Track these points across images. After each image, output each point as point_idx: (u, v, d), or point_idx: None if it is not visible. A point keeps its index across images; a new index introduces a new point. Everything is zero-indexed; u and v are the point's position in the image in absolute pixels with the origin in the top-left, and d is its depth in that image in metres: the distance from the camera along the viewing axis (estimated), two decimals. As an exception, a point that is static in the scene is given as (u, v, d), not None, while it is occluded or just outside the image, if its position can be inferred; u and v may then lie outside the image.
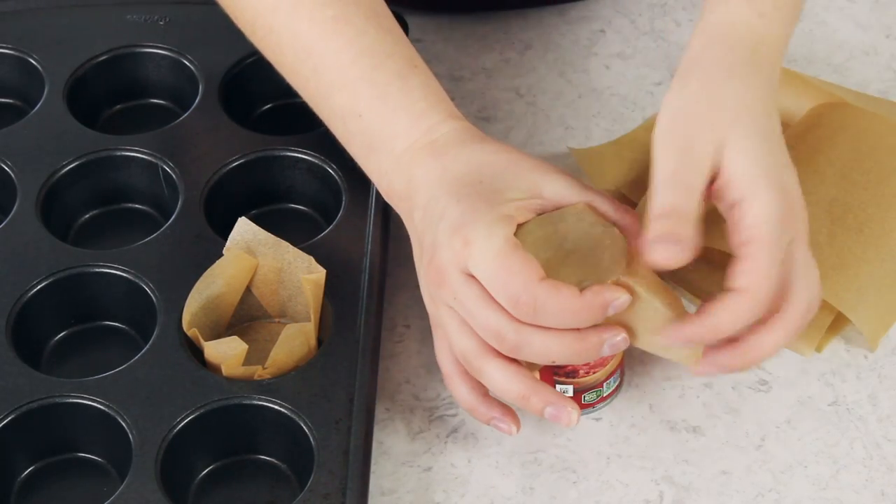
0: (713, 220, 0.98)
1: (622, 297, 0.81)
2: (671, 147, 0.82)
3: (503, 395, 0.83)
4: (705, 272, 0.95)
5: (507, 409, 0.86)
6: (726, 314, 0.80)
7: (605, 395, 0.90)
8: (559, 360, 0.82)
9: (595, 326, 0.81)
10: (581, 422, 0.90)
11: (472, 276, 0.81)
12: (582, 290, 0.81)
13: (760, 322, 0.82)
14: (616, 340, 0.82)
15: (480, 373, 0.83)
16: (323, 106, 0.91)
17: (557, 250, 0.83)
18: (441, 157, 0.86)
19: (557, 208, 0.84)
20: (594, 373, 0.89)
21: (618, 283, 0.81)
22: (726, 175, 0.82)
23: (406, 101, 0.88)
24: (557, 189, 0.84)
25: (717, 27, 0.87)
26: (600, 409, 0.91)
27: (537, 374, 0.87)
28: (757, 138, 0.83)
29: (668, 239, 0.80)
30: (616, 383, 0.91)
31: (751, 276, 0.80)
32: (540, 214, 0.84)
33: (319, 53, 0.90)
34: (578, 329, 0.81)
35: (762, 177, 0.81)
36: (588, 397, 0.90)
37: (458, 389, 0.86)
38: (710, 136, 0.82)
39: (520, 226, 0.83)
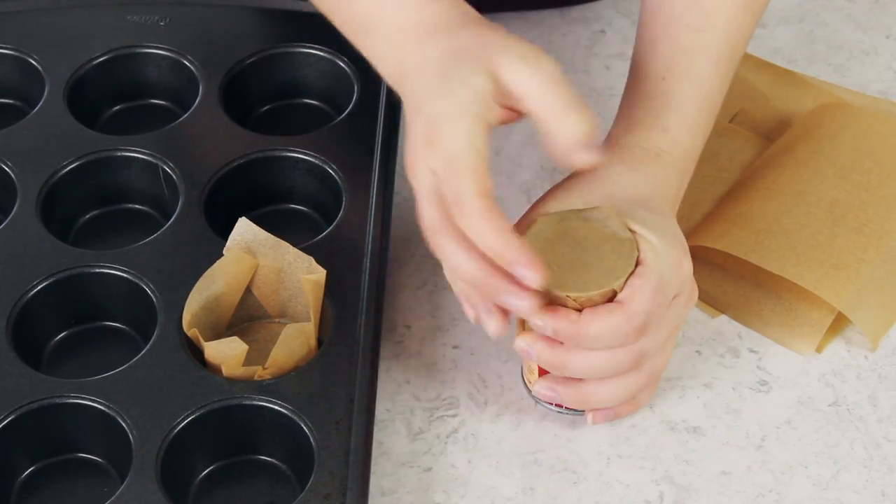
0: (712, 221, 0.98)
1: (532, 274, 0.80)
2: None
3: (459, 272, 0.83)
4: (704, 273, 0.95)
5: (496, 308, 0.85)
6: (598, 318, 0.83)
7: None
8: (463, 278, 0.82)
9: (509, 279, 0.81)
10: (581, 422, 0.90)
11: (435, 172, 0.82)
12: (576, 298, 0.82)
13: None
14: (516, 301, 0.81)
15: (439, 249, 0.83)
16: (347, 17, 0.93)
17: (571, 249, 0.83)
18: (424, 44, 0.86)
19: (512, 93, 0.83)
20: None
21: (605, 293, 0.82)
22: None
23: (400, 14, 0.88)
24: (515, 79, 0.83)
25: (616, 138, 0.91)
26: (581, 414, 0.91)
27: (536, 372, 0.88)
28: (651, 214, 0.86)
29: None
30: None
31: (628, 291, 0.83)
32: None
33: None
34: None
35: (656, 230, 0.85)
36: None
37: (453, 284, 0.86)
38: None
39: (543, 216, 0.84)
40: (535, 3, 1.15)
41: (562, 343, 0.84)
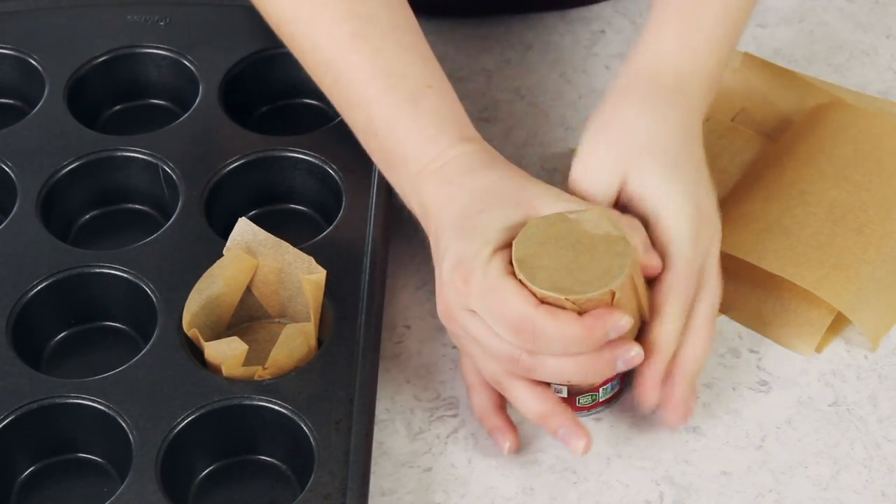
0: (727, 225, 0.98)
1: (623, 320, 0.82)
2: (578, 182, 0.88)
3: (526, 413, 0.86)
4: (728, 287, 0.95)
5: (511, 426, 0.88)
6: (657, 328, 0.85)
7: (600, 399, 0.90)
8: (575, 380, 0.85)
9: (608, 343, 0.83)
10: (581, 422, 0.90)
11: (475, 312, 0.83)
12: (576, 301, 0.82)
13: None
14: (630, 356, 0.84)
15: (507, 393, 0.86)
16: (346, 115, 0.93)
17: (565, 251, 0.83)
18: (448, 186, 0.87)
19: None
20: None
21: (603, 294, 0.82)
22: (633, 200, 0.87)
23: (416, 126, 0.89)
24: (554, 207, 0.85)
25: (643, 65, 0.91)
26: (597, 412, 0.91)
27: None
28: (664, 166, 0.87)
29: None
30: (614, 390, 0.90)
31: (667, 282, 0.85)
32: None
33: (338, 68, 0.91)
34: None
35: (670, 194, 0.86)
36: (582, 400, 0.90)
37: (476, 398, 0.89)
38: (614, 169, 0.87)
39: (534, 219, 0.84)
40: (535, 6, 1.15)
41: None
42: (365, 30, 0.91)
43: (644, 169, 0.87)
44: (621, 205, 0.88)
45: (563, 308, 0.82)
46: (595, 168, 0.88)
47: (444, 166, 0.88)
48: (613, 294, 0.82)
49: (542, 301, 0.82)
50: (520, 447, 0.88)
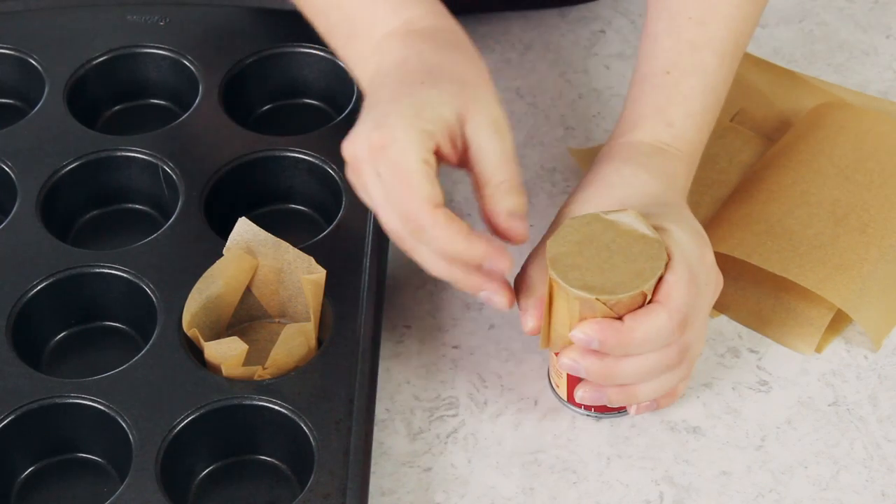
0: (715, 224, 0.98)
1: (502, 265, 0.82)
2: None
3: (435, 274, 0.85)
4: (728, 287, 0.95)
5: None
6: (641, 322, 0.83)
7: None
8: (442, 276, 0.84)
9: (486, 271, 0.83)
10: (581, 422, 0.90)
11: (379, 175, 0.83)
12: (607, 301, 0.82)
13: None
14: (494, 298, 0.84)
15: (412, 252, 0.85)
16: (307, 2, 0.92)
17: (599, 251, 0.83)
18: (406, 48, 0.87)
19: (463, 143, 0.84)
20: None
21: (634, 296, 0.82)
22: None
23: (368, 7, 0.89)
24: (478, 136, 0.84)
25: (622, 139, 0.92)
26: (625, 413, 0.90)
27: (565, 375, 0.88)
28: (646, 207, 0.86)
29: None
30: None
31: (665, 289, 0.83)
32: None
33: None
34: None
35: (661, 218, 0.86)
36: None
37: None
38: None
39: (570, 219, 0.85)
40: (535, 3, 1.15)
41: (606, 354, 0.84)
42: None
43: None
44: None
45: (594, 308, 0.82)
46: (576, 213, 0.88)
47: (411, 32, 0.87)
48: (645, 296, 0.82)
49: (575, 300, 0.82)
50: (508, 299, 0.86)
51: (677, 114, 0.91)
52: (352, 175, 0.86)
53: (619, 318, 0.83)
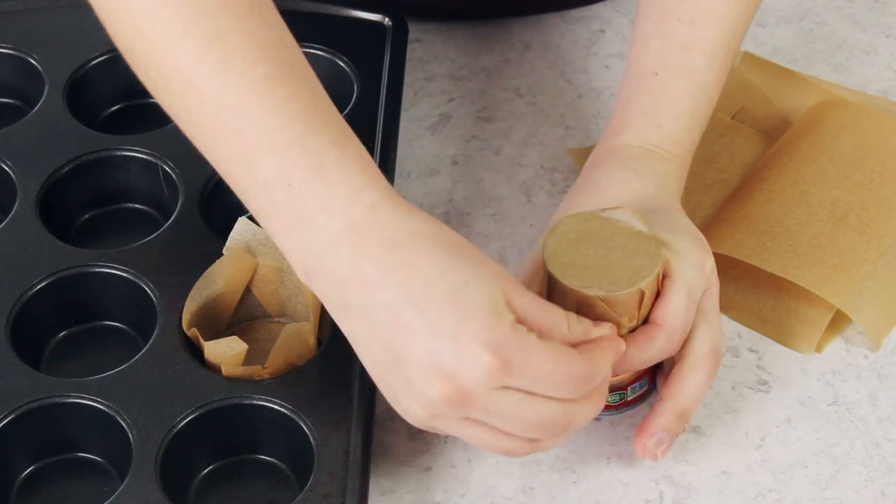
0: (714, 224, 0.98)
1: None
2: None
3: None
4: (728, 288, 0.95)
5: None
6: (641, 348, 0.84)
7: (629, 398, 0.90)
8: (590, 418, 0.81)
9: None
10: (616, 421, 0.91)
11: (508, 388, 0.76)
12: (605, 298, 0.82)
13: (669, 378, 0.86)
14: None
15: (532, 450, 0.81)
16: (242, 174, 0.81)
17: (596, 248, 0.83)
18: (398, 246, 0.77)
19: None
20: (617, 375, 0.88)
21: (632, 293, 0.82)
22: None
23: (343, 173, 0.78)
24: (522, 299, 0.78)
25: (611, 143, 0.91)
26: (624, 411, 0.90)
27: None
28: (642, 211, 0.86)
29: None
30: (643, 388, 0.90)
31: (662, 311, 0.84)
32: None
33: (247, 114, 0.79)
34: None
35: (673, 234, 0.85)
36: (611, 399, 0.89)
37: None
38: None
39: (566, 217, 0.84)
40: (534, 8, 1.15)
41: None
42: (278, 73, 0.80)
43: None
44: None
45: (592, 305, 0.82)
46: None
47: (382, 225, 0.77)
48: (643, 293, 0.82)
49: (572, 298, 0.82)
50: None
51: (666, 115, 0.91)
52: (447, 418, 0.77)
53: (617, 317, 0.83)
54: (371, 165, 0.80)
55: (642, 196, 0.88)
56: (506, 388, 0.76)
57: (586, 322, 0.80)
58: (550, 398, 0.77)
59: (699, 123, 0.92)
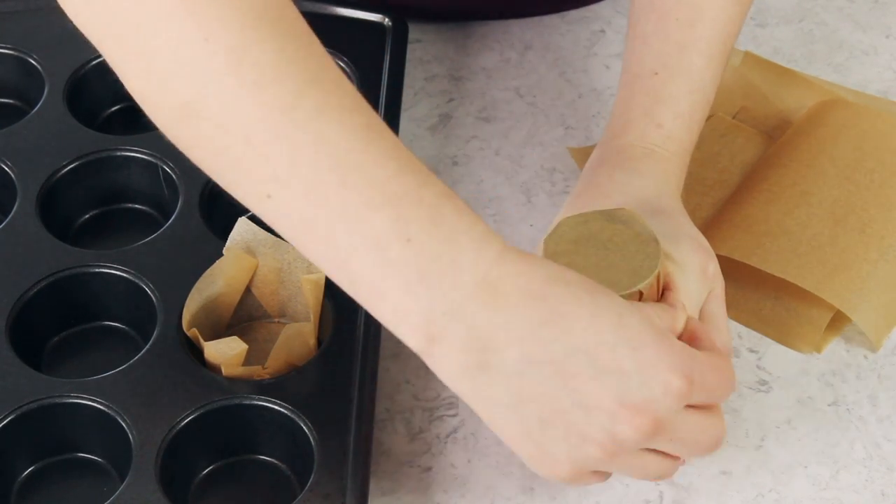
0: (715, 225, 0.98)
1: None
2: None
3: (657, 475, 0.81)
4: (729, 288, 0.95)
5: None
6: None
7: None
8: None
9: None
10: None
11: (688, 406, 0.76)
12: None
13: None
14: None
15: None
16: (345, 231, 0.72)
17: (596, 249, 0.83)
18: (544, 302, 0.72)
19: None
20: None
21: (631, 294, 0.82)
22: None
23: (465, 225, 0.72)
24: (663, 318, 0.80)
25: (613, 143, 0.91)
26: None
27: None
28: (644, 213, 0.86)
29: None
30: None
31: (669, 323, 0.81)
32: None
33: (354, 163, 0.71)
34: None
35: (675, 240, 0.85)
36: None
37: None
38: None
39: (567, 218, 0.84)
40: (534, 10, 1.15)
41: None
42: (378, 123, 0.73)
43: None
44: None
45: None
46: None
47: (513, 276, 0.72)
48: (641, 294, 0.82)
49: None
50: None
51: (666, 115, 0.91)
52: (649, 439, 0.74)
53: None
54: (479, 216, 0.74)
55: (644, 196, 0.88)
56: (687, 407, 0.75)
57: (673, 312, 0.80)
58: (718, 409, 0.77)
59: (697, 122, 0.92)
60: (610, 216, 0.85)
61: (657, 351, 0.73)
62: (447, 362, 0.73)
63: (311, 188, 0.71)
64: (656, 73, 0.92)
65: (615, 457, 0.74)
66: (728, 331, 0.86)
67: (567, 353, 0.72)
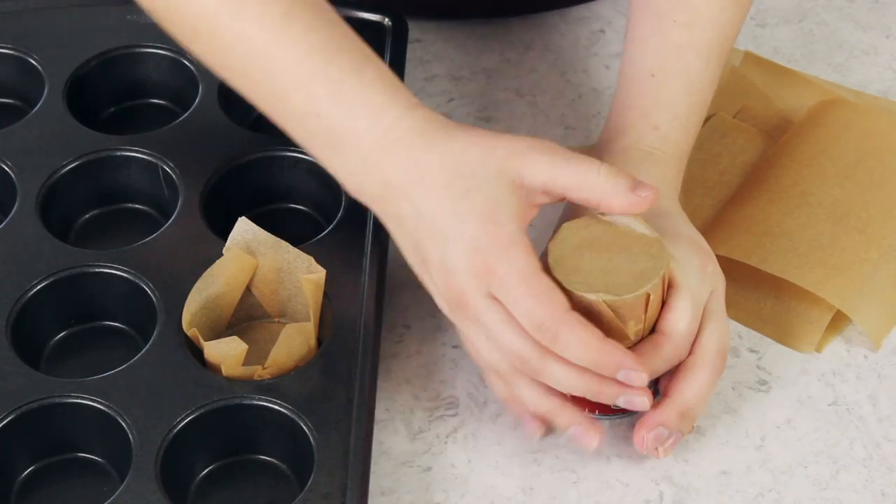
0: (715, 226, 0.98)
1: (637, 376, 0.82)
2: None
3: (534, 408, 0.85)
4: (729, 288, 0.95)
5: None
6: (652, 359, 0.84)
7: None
8: (576, 393, 0.84)
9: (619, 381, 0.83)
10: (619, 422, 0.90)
11: (496, 299, 0.82)
12: (611, 303, 0.82)
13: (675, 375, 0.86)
14: (634, 399, 0.84)
15: (511, 387, 0.85)
16: (277, 108, 0.88)
17: (601, 253, 0.83)
18: (415, 162, 0.84)
19: (545, 192, 0.83)
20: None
21: (638, 296, 0.82)
22: None
23: (364, 96, 0.85)
24: (538, 167, 0.83)
25: (610, 142, 0.91)
26: (626, 417, 0.90)
27: None
28: (665, 221, 0.87)
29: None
30: None
31: (667, 320, 0.84)
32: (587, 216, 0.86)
33: (269, 53, 0.86)
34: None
35: (662, 230, 0.85)
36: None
37: (495, 386, 0.87)
38: None
39: (569, 222, 0.84)
40: (534, 7, 1.15)
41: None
42: (293, 10, 0.86)
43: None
44: None
45: (598, 310, 0.82)
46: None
47: (400, 139, 0.84)
48: (648, 296, 0.82)
49: (578, 303, 0.82)
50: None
51: (663, 117, 0.91)
52: (456, 314, 0.84)
53: (623, 321, 0.82)
54: (389, 83, 0.86)
55: None
56: (494, 300, 0.82)
57: (615, 169, 0.82)
58: (527, 335, 0.81)
59: (694, 124, 0.92)
60: (613, 219, 0.84)
61: (474, 232, 0.82)
62: (375, 208, 0.87)
63: (245, 76, 0.88)
64: (653, 76, 0.92)
65: (451, 310, 0.84)
66: (727, 329, 0.86)
67: (419, 215, 0.83)
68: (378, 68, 0.86)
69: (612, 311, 0.82)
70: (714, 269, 0.87)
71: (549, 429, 0.86)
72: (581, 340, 0.81)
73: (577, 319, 0.81)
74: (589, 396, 0.84)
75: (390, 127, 0.84)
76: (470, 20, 1.16)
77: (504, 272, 0.81)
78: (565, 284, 0.82)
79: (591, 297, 0.82)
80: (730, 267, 0.94)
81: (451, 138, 0.84)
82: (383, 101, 0.85)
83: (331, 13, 0.87)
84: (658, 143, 0.90)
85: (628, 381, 0.82)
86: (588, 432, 0.85)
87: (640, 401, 0.83)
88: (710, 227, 0.97)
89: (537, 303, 0.81)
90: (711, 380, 0.86)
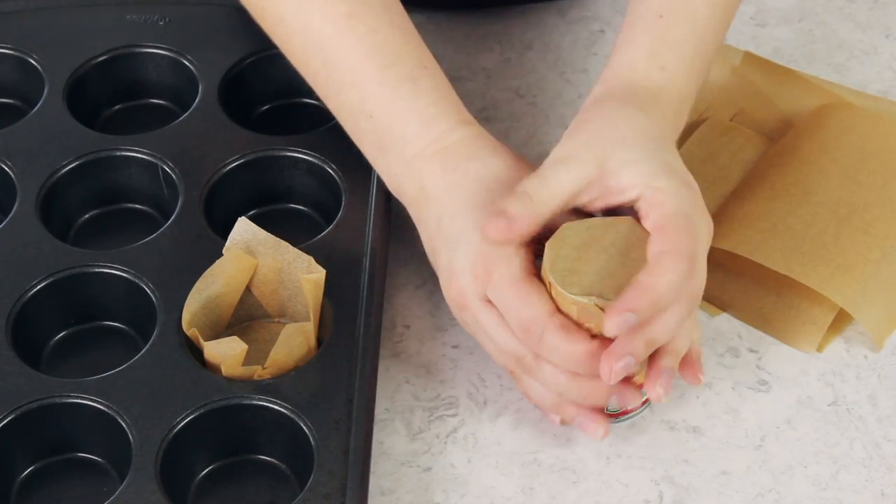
0: (716, 221, 0.98)
1: (621, 364, 0.81)
2: (550, 168, 0.86)
3: (539, 403, 0.87)
4: (720, 278, 0.95)
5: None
6: (655, 277, 0.81)
7: (628, 407, 0.90)
8: (565, 395, 0.85)
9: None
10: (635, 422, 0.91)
11: (490, 302, 0.85)
12: (604, 306, 0.81)
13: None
14: (626, 395, 0.85)
15: (518, 382, 0.87)
16: (333, 100, 0.93)
17: (598, 255, 0.83)
18: (451, 171, 0.88)
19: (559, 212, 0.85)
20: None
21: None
22: (615, 185, 0.85)
23: (416, 106, 0.89)
24: (557, 198, 0.85)
25: (616, 81, 0.91)
26: (624, 420, 0.90)
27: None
28: (646, 150, 0.86)
29: (496, 212, 0.84)
30: (644, 396, 0.89)
31: (670, 240, 0.82)
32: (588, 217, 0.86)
33: (330, 48, 0.91)
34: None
35: (656, 172, 0.85)
36: (612, 406, 0.89)
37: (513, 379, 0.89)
38: (591, 155, 0.85)
39: (569, 224, 0.85)
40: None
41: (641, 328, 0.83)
42: (359, 10, 0.91)
43: (626, 155, 0.85)
44: (593, 198, 0.86)
45: (591, 312, 0.82)
46: (571, 154, 0.86)
47: (445, 149, 0.88)
48: None
49: (573, 304, 0.82)
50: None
51: (669, 58, 0.91)
52: (459, 315, 0.88)
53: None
54: (443, 95, 0.90)
55: (649, 135, 0.87)
56: (488, 302, 0.85)
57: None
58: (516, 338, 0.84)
59: (698, 71, 0.92)
60: (612, 222, 0.84)
61: (473, 249, 0.85)
62: (411, 211, 0.91)
63: (305, 63, 0.93)
64: (661, 16, 0.92)
65: (459, 311, 0.88)
66: (704, 273, 0.85)
67: (438, 223, 0.88)
68: (434, 78, 0.91)
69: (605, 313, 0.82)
70: (703, 207, 0.87)
71: (563, 419, 0.88)
72: (565, 342, 0.82)
73: (561, 323, 0.82)
74: (578, 398, 0.85)
75: (437, 138, 0.88)
76: (469, 18, 1.16)
77: (498, 276, 0.84)
78: (561, 286, 0.82)
79: (585, 300, 0.82)
80: (732, 263, 0.94)
81: (494, 155, 0.89)
82: (435, 114, 0.89)
83: (397, 16, 0.92)
84: (664, 84, 0.90)
85: (616, 375, 0.81)
86: (593, 422, 0.86)
87: (633, 395, 0.85)
88: (724, 226, 0.97)
89: (523, 305, 0.83)
90: (682, 311, 0.83)
